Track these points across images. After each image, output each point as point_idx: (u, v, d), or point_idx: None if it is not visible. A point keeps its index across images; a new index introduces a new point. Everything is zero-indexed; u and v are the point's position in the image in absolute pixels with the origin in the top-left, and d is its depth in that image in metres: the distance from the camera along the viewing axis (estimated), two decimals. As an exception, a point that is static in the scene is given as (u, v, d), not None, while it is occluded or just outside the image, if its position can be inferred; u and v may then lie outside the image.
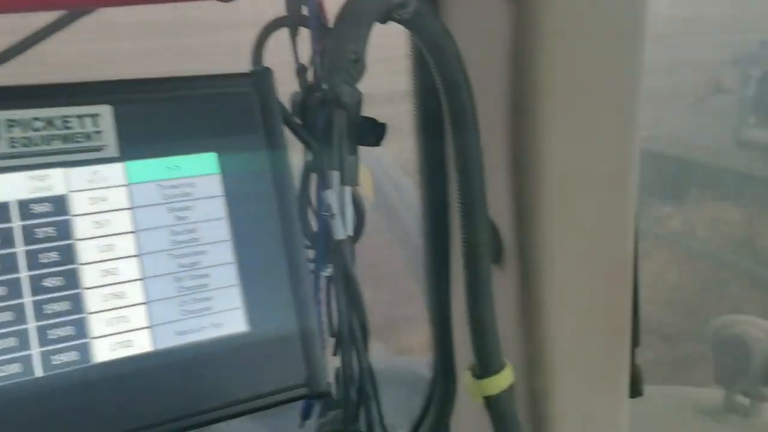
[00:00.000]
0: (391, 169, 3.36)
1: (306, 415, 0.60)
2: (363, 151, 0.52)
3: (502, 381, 0.59)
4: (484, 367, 0.59)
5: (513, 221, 0.62)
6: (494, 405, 0.59)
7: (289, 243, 0.49)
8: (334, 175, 0.48)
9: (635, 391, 0.75)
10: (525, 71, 0.57)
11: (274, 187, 0.49)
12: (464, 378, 0.60)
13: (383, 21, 0.48)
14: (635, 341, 0.74)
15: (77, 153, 0.44)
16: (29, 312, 0.42)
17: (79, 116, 0.45)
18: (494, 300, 0.58)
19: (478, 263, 0.57)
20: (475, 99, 0.54)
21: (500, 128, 0.60)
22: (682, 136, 5.55)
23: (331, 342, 0.56)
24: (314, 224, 0.58)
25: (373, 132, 0.55)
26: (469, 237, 0.56)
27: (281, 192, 0.49)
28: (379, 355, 3.11)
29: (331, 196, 0.47)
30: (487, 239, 0.57)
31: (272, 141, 0.50)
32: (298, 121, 0.54)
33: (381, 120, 0.55)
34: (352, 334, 0.53)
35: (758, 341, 1.11)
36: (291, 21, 0.55)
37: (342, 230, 0.49)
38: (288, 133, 0.50)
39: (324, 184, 0.49)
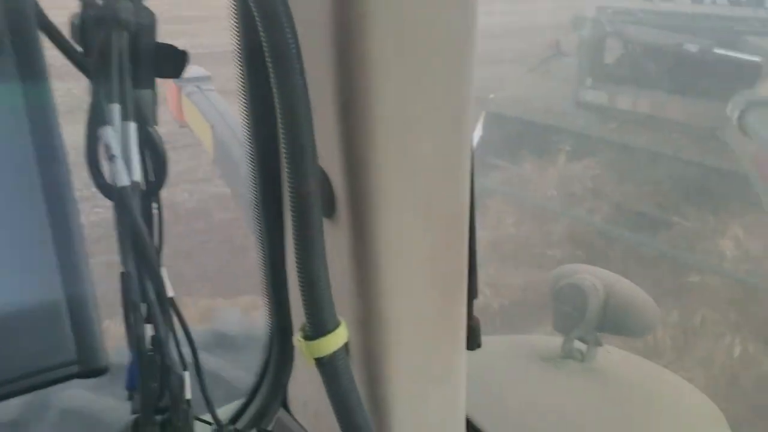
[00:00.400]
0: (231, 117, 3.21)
1: (131, 385, 0.53)
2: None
3: (334, 341, 0.55)
4: (316, 327, 0.54)
5: (344, 171, 0.57)
6: (327, 366, 0.55)
7: (53, 193, 0.40)
8: (114, 110, 0.40)
9: (473, 343, 0.73)
10: (353, 8, 0.52)
11: (30, 124, 0.39)
12: (295, 340, 0.56)
13: None
14: (472, 293, 0.72)
15: None
16: None
17: None
18: (326, 255, 0.54)
19: (308, 215, 0.52)
20: (297, 34, 0.48)
21: (327, 70, 0.55)
22: (525, 98, 5.78)
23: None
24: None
25: (172, 61, 0.48)
26: (296, 187, 0.51)
27: (41, 129, 0.39)
28: (234, 318, 3.02)
29: (111, 135, 0.40)
30: (316, 189, 0.52)
31: (28, 65, 0.39)
32: (77, 47, 0.45)
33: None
34: (146, 299, 0.46)
35: (593, 289, 1.16)
36: None
37: (125, 175, 0.41)
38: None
39: (102, 120, 0.41)
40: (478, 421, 0.87)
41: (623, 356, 1.30)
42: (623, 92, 5.13)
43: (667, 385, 1.26)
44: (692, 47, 4.30)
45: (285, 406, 0.80)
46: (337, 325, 0.55)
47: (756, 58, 3.66)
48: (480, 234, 0.70)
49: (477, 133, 6.10)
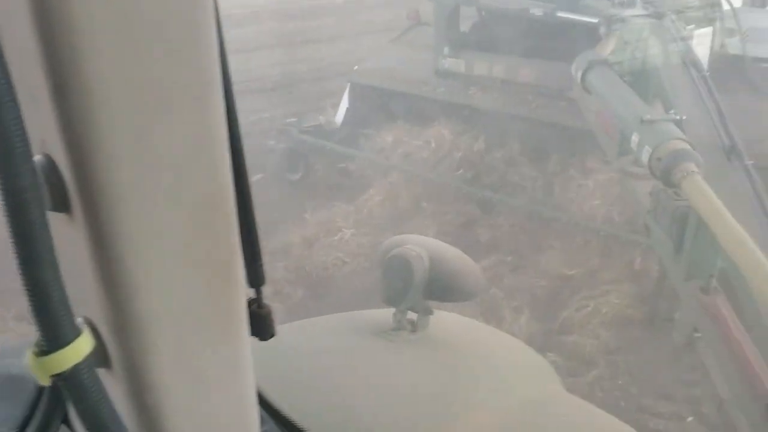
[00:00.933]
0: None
1: None
2: None
3: (75, 353, 0.50)
4: (51, 340, 0.49)
5: (73, 161, 0.50)
6: (69, 383, 0.50)
7: None
8: None
9: (265, 332, 0.70)
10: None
11: None
12: (26, 359, 0.51)
13: None
14: (259, 280, 0.69)
15: None
16: None
17: None
18: (66, 254, 0.49)
19: (26, 214, 0.46)
20: None
21: (36, 46, 0.47)
22: (387, 69, 5.82)
23: None
24: None
25: None
26: (7, 184, 0.46)
27: None
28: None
29: None
30: (34, 184, 0.47)
31: None
32: None
33: None
34: None
35: (419, 259, 1.16)
36: None
37: None
38: None
39: None
40: (289, 409, 0.85)
41: (455, 321, 1.34)
42: (479, 59, 5.27)
43: (497, 345, 1.30)
44: (537, 11, 4.45)
45: (67, 422, 0.74)
46: (76, 335, 0.50)
47: (594, 20, 3.83)
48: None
49: (343, 105, 6.11)
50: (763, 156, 3.74)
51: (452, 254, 1.23)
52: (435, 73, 5.48)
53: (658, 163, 2.52)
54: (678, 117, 2.77)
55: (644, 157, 2.64)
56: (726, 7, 4.70)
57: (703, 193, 2.34)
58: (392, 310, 1.22)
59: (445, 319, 1.28)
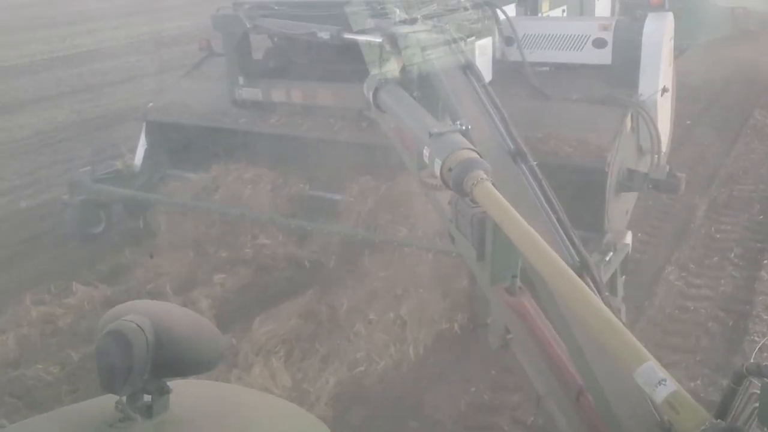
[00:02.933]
0: None
1: None
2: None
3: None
4: None
5: None
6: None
7: None
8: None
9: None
10: None
11: None
12: None
13: None
14: None
15: None
16: None
17: None
18: None
19: None
20: None
21: None
22: (183, 103, 5.59)
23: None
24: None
25: None
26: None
27: None
28: None
29: None
30: None
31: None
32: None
33: None
34: None
35: (137, 332, 0.99)
36: None
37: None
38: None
39: None
40: None
41: (205, 392, 1.17)
42: (276, 86, 5.18)
43: (261, 412, 1.15)
44: (324, 34, 4.44)
45: None
46: None
47: (378, 39, 3.87)
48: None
49: (141, 146, 5.78)
50: (546, 154, 3.99)
51: (184, 320, 1.07)
52: (233, 104, 5.31)
53: (450, 174, 2.54)
54: (464, 127, 2.82)
55: (437, 169, 2.66)
56: (502, 17, 4.98)
57: (493, 199, 2.38)
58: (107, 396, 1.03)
59: (191, 392, 1.11)
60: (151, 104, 5.87)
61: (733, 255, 5.27)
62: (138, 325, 0.98)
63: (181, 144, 5.59)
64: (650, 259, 5.29)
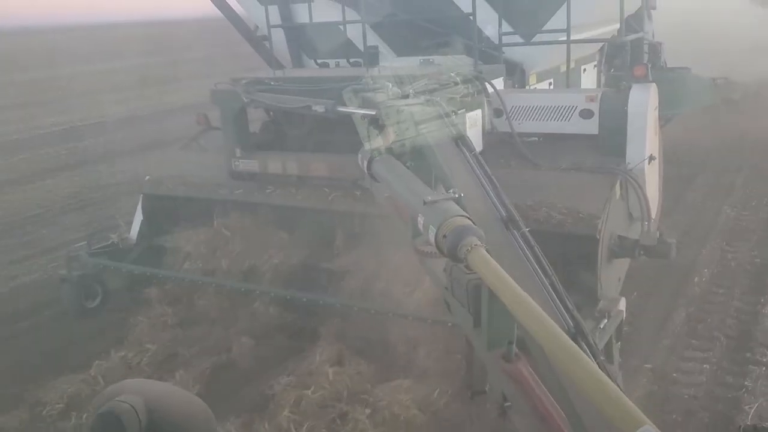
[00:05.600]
0: None
1: None
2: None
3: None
4: None
5: None
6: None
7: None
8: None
9: None
10: None
11: None
12: None
13: None
14: None
15: None
16: None
17: None
18: None
19: None
20: None
21: None
22: (180, 175, 5.68)
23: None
24: None
25: None
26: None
27: None
28: None
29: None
30: None
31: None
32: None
33: None
34: None
35: (130, 412, 0.98)
36: None
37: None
38: None
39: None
40: None
41: None
42: (272, 157, 5.28)
43: None
44: (319, 108, 4.57)
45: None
46: None
47: (371, 111, 3.99)
48: None
49: (137, 219, 5.84)
50: (538, 221, 4.06)
51: (178, 398, 1.08)
52: (230, 176, 5.40)
53: (444, 241, 2.59)
54: (457, 195, 2.89)
55: (431, 237, 2.71)
56: (491, 90, 5.14)
57: (488, 265, 2.42)
58: None
59: None
60: (147, 177, 5.96)
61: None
62: (131, 406, 0.98)
63: (177, 216, 5.65)
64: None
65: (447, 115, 3.91)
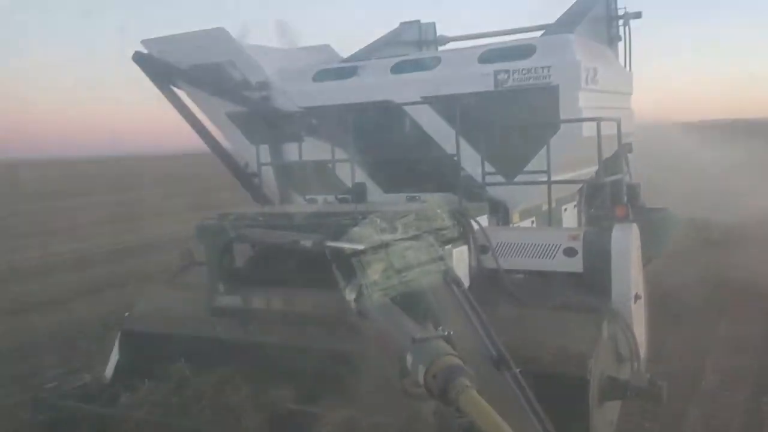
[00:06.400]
0: None
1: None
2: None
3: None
4: None
5: None
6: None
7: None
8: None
9: None
10: None
11: None
12: None
13: None
14: None
15: None
16: None
17: None
18: None
19: None
20: None
21: None
22: (161, 311, 5.57)
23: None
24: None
25: None
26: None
27: None
28: None
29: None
30: None
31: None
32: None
33: None
34: None
35: None
36: None
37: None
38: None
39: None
40: None
41: None
42: (256, 293, 5.21)
43: None
44: (307, 243, 4.58)
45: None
46: None
47: (360, 247, 4.00)
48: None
49: (113, 357, 5.65)
50: (527, 361, 3.96)
51: None
52: (211, 312, 5.30)
53: (434, 381, 2.52)
54: (446, 333, 2.84)
55: (420, 376, 2.63)
56: (476, 226, 5.21)
57: (479, 408, 2.34)
58: None
59: None
60: (127, 313, 5.84)
61: None
62: None
63: (156, 354, 5.48)
64: None
65: (435, 250, 3.92)
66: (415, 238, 4.05)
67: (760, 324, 8.49)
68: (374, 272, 3.73)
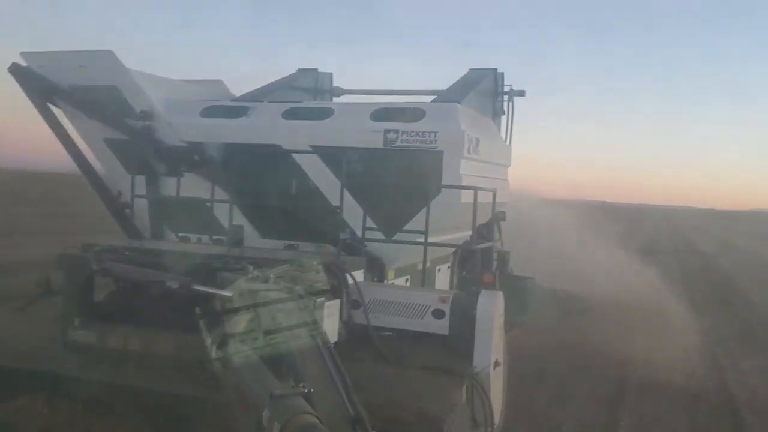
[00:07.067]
0: None
1: None
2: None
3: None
4: None
5: None
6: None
7: None
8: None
9: None
10: None
11: None
12: None
13: None
14: None
15: None
16: None
17: None
18: None
19: None
20: None
21: None
22: (7, 344, 5.16)
23: None
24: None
25: None
26: None
27: None
28: None
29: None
30: None
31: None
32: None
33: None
34: None
35: None
36: None
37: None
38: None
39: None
40: None
41: None
42: (114, 331, 4.95)
43: None
44: (174, 284, 4.42)
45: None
46: None
47: (227, 293, 3.91)
48: None
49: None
50: (386, 421, 3.98)
51: None
52: (64, 346, 4.97)
53: (288, 441, 2.46)
54: (306, 390, 2.81)
55: (275, 435, 2.58)
56: (350, 281, 5.24)
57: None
58: None
59: None
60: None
61: None
62: None
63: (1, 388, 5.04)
64: None
65: (305, 304, 3.90)
66: (286, 289, 4.01)
67: (617, 381, 9.12)
68: (239, 322, 3.65)
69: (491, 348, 4.89)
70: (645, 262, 19.48)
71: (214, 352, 3.61)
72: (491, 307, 5.04)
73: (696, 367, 10.07)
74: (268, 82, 8.73)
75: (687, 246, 38.64)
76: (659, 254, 28.25)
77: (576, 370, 9.72)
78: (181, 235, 6.83)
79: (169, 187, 6.72)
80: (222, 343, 3.55)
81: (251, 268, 4.28)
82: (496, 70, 9.08)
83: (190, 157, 6.56)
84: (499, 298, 5.20)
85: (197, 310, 3.90)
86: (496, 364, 4.94)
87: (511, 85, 9.29)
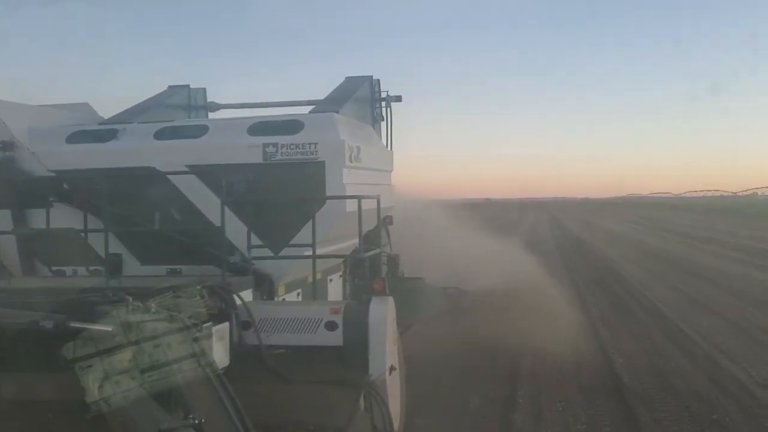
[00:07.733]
0: None
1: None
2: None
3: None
4: None
5: None
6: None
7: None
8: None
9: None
10: None
11: None
12: None
13: None
14: None
15: None
16: None
17: None
18: None
19: None
20: None
21: None
22: None
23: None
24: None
25: None
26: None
27: None
28: None
29: None
30: None
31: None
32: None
33: None
34: None
35: None
36: None
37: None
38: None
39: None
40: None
41: None
42: (-16, 378, 4.61)
43: None
44: (48, 324, 4.17)
45: None
46: None
47: (108, 327, 3.73)
48: None
49: None
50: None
51: None
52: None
53: (179, 477, 2.38)
54: (196, 421, 2.73)
55: (165, 473, 2.48)
56: (239, 302, 5.13)
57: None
58: None
59: None
60: None
61: None
62: None
63: None
64: None
65: (189, 330, 3.78)
66: (170, 318, 3.88)
67: (512, 363, 9.79)
68: (121, 357, 3.49)
69: (385, 354, 4.94)
70: (527, 251, 20.51)
71: (96, 392, 3.43)
72: (383, 313, 5.09)
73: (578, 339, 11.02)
74: (139, 101, 8.43)
75: (561, 231, 42.31)
76: (539, 244, 30.05)
77: (473, 355, 10.09)
78: (55, 268, 6.46)
79: (38, 219, 6.34)
80: (103, 381, 3.38)
81: (131, 299, 4.11)
82: (371, 77, 9.20)
83: (58, 187, 6.22)
84: (390, 303, 5.26)
85: (68, 348, 3.71)
86: (392, 369, 4.99)
87: (387, 91, 9.45)
